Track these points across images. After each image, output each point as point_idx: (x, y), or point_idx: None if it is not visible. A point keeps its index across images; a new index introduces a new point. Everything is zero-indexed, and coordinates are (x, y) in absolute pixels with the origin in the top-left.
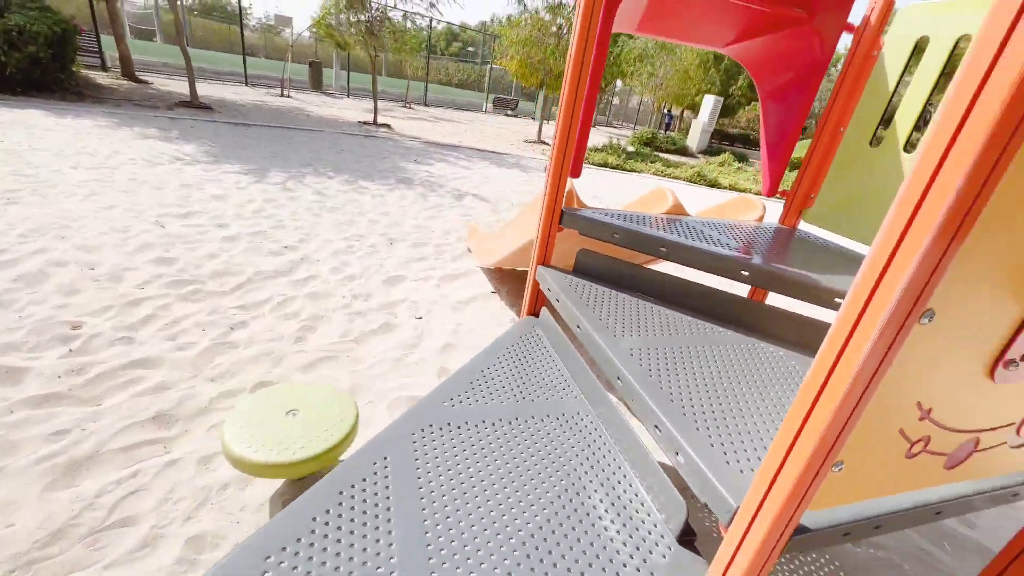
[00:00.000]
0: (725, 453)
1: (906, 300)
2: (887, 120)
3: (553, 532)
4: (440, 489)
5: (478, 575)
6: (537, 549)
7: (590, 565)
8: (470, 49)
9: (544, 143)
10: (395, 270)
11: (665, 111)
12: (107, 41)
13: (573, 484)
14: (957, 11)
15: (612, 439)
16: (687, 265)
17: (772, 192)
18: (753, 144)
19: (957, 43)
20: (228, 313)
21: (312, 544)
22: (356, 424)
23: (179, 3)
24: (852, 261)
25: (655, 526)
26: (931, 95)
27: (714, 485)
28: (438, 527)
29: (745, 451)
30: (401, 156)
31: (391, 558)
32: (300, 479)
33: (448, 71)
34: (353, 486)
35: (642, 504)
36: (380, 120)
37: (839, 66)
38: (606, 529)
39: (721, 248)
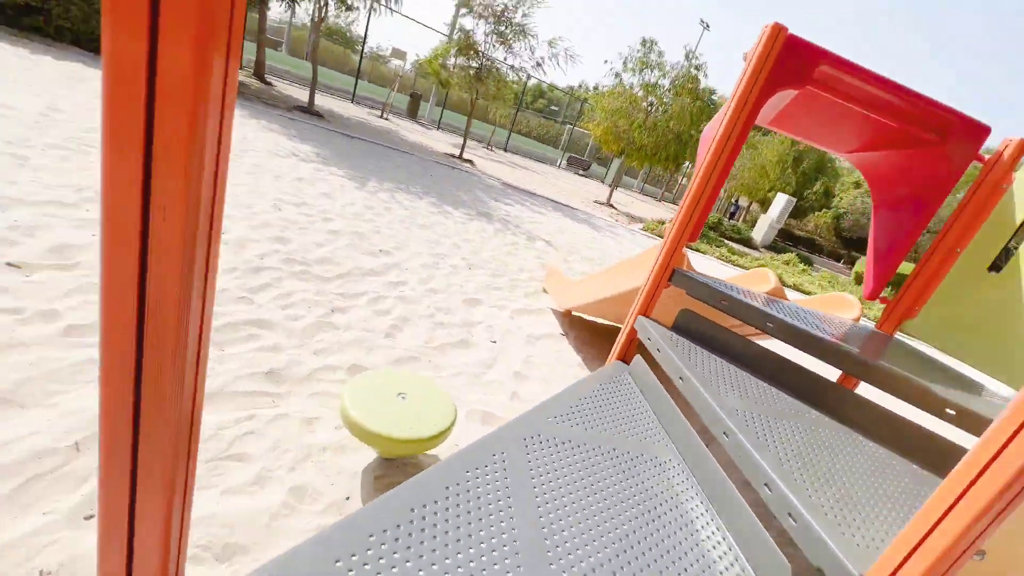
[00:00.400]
0: (839, 525)
1: None
2: (1006, 254)
3: (642, 547)
4: (546, 487)
5: (583, 556)
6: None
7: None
8: (554, 108)
9: (612, 207)
10: (474, 293)
11: (733, 200)
12: (248, 45)
13: (659, 518)
14: None
15: (703, 490)
16: (789, 343)
17: (874, 296)
18: (818, 249)
19: None
20: (330, 297)
21: (447, 508)
22: (455, 420)
23: (319, 25)
24: (954, 377)
25: (743, 571)
26: None
27: (834, 552)
28: (549, 515)
29: (859, 527)
30: (483, 191)
31: (513, 529)
32: (391, 459)
33: (529, 123)
34: (478, 468)
35: (728, 550)
36: (465, 156)
37: (964, 190)
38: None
39: (823, 335)
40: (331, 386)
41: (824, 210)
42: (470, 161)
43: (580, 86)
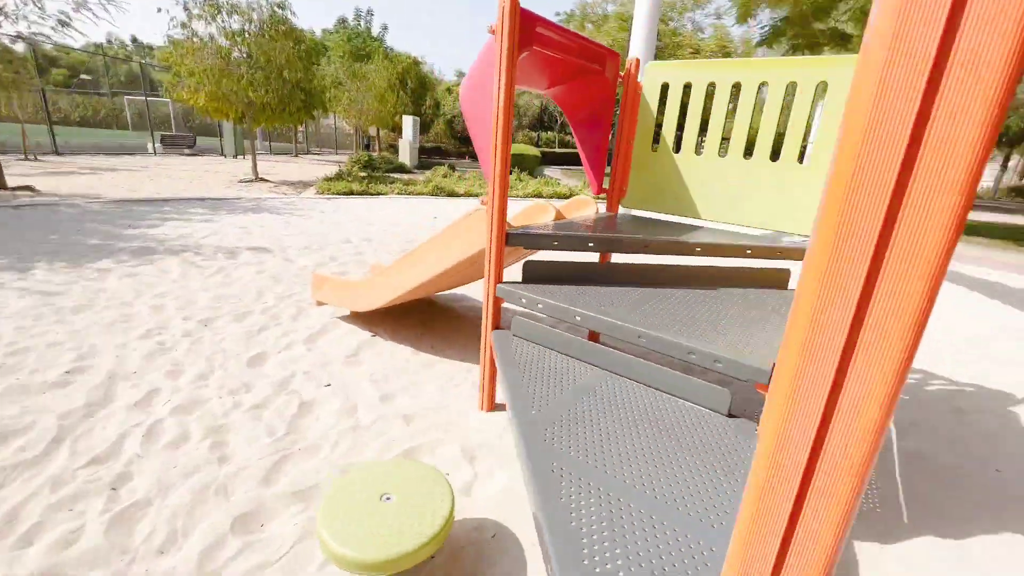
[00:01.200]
0: (744, 348)
1: None
2: (656, 134)
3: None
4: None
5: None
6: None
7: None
8: (85, 77)
9: (265, 180)
10: (246, 350)
11: (365, 135)
12: None
13: (635, 423)
14: (681, 68)
15: (642, 381)
16: (610, 251)
17: (599, 191)
18: (452, 154)
19: (686, 86)
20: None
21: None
22: (449, 517)
23: None
24: (666, 225)
25: (696, 413)
26: (679, 117)
27: (752, 365)
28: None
29: (752, 346)
30: (102, 223)
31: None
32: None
33: (62, 107)
34: (553, 486)
35: (679, 407)
36: (11, 183)
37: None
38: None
39: (611, 233)
40: None
41: (438, 119)
42: (28, 188)
43: (112, 41)
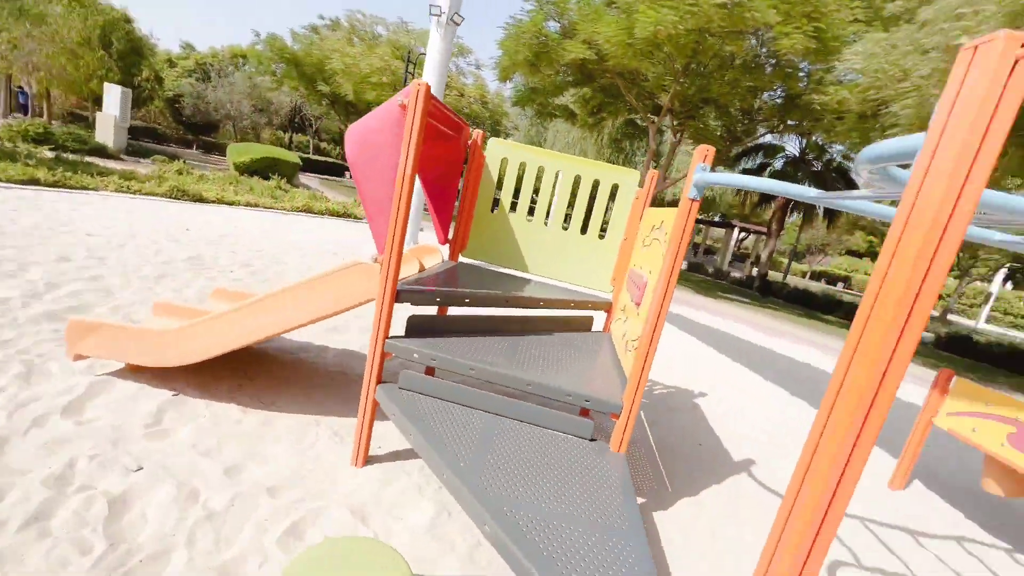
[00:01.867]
0: (595, 383)
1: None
2: (495, 199)
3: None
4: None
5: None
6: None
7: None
8: None
9: None
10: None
11: (17, 88)
12: None
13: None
14: (519, 149)
15: (520, 417)
16: (484, 305)
17: (445, 241)
18: (163, 138)
19: (521, 164)
20: None
21: None
22: None
23: None
24: (509, 277)
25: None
26: (515, 186)
27: (608, 401)
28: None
29: (600, 383)
30: None
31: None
32: None
33: None
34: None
35: (554, 437)
36: None
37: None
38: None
39: (479, 290)
40: None
41: (157, 97)
42: None
43: None
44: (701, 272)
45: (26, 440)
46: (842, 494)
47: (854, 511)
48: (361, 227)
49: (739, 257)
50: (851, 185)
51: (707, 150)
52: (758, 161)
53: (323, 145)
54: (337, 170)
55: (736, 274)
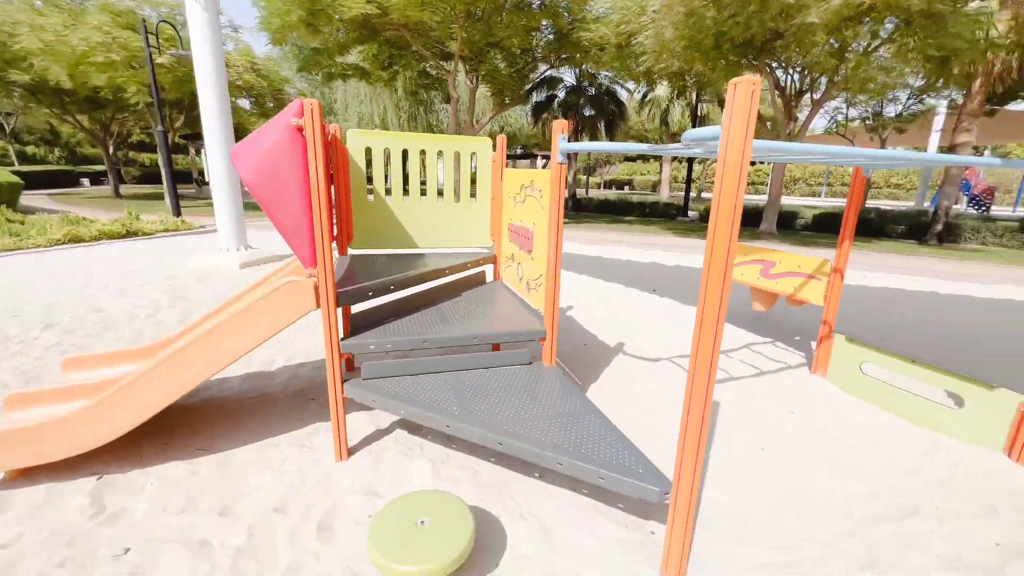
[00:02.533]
0: (527, 325)
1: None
2: (369, 188)
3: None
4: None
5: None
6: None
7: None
8: None
9: None
10: None
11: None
12: None
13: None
14: (380, 137)
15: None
16: (405, 287)
17: (332, 239)
18: None
19: (385, 150)
20: None
21: None
22: (469, 544)
23: None
24: (404, 257)
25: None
26: (385, 171)
27: (536, 330)
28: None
29: (525, 321)
30: None
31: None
32: None
33: None
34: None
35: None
36: None
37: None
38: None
39: (400, 275)
40: None
41: None
42: None
43: None
44: None
45: None
46: (715, 349)
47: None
48: (163, 243)
49: None
50: (618, 104)
51: (563, 124)
52: (545, 94)
53: (30, 149)
54: (68, 180)
55: None
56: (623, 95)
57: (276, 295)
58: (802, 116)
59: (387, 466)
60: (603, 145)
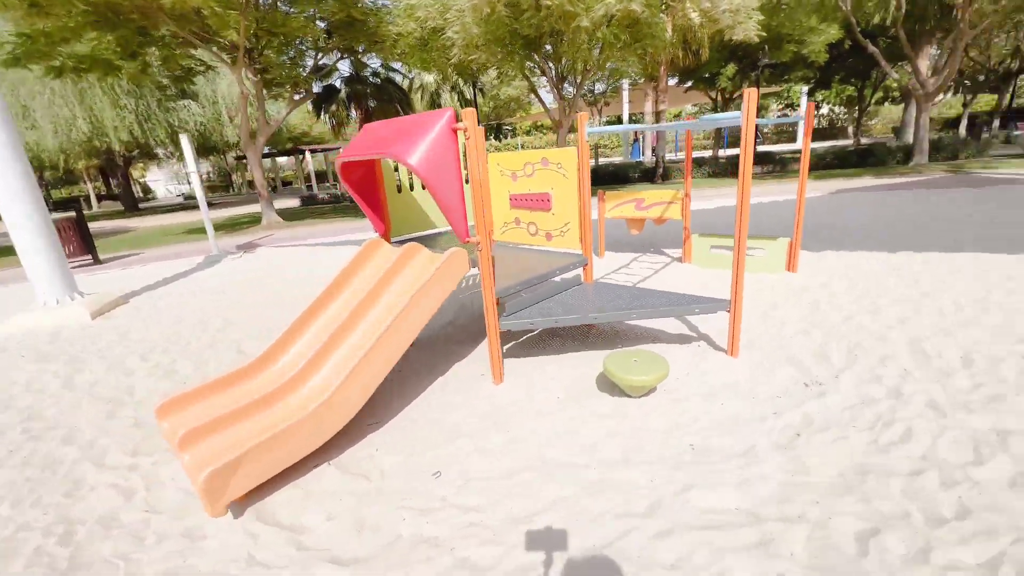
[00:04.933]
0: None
1: None
2: (398, 185)
3: None
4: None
5: None
6: None
7: None
8: None
9: None
10: None
11: None
12: None
13: None
14: None
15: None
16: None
17: (385, 230)
18: None
19: None
20: None
21: None
22: (667, 372)
23: None
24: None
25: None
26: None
27: (580, 256)
28: None
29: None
30: None
31: None
32: (641, 393)
33: None
34: None
35: None
36: None
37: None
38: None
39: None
40: None
41: None
42: None
43: None
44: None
45: None
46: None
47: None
48: None
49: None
50: (402, 91)
51: (584, 115)
52: (320, 86)
53: None
54: None
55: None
56: (403, 84)
57: (447, 264)
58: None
59: (534, 381)
60: (624, 128)
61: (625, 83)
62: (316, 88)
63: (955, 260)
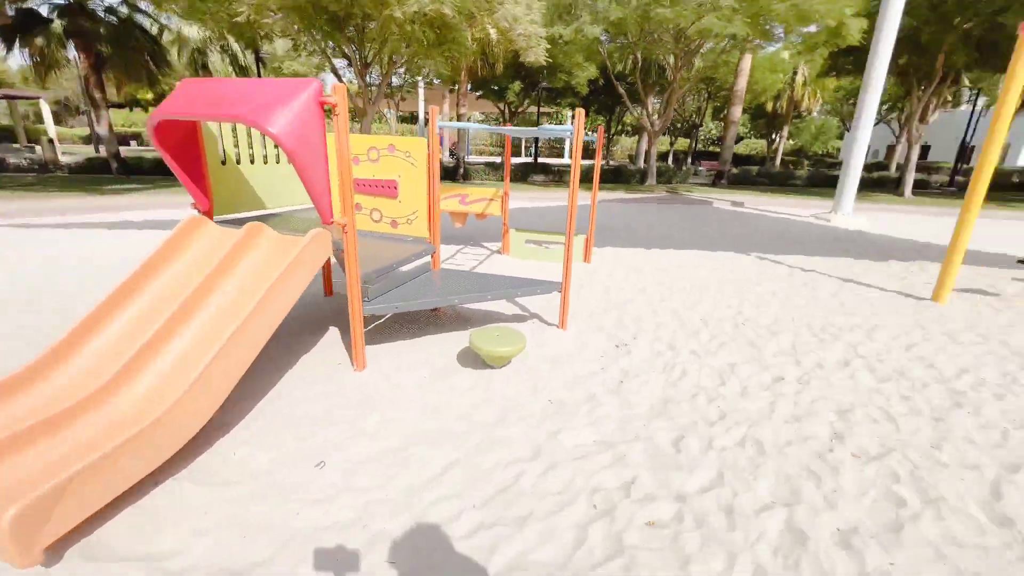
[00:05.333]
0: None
1: None
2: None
3: None
4: None
5: None
6: None
7: None
8: None
9: None
10: None
11: None
12: None
13: None
14: None
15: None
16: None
17: (208, 204)
18: None
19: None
20: None
21: None
22: (524, 346)
23: None
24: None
25: None
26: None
27: (425, 240)
28: None
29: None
30: None
31: None
32: (503, 364)
33: None
34: None
35: None
36: None
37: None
38: None
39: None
40: None
41: None
42: None
43: None
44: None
45: None
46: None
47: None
48: None
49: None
50: (154, 41)
51: (435, 108)
52: (22, 4)
53: None
54: None
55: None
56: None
57: (312, 246)
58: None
59: (389, 363)
60: (466, 125)
61: (421, 81)
62: (9, 11)
63: (684, 255)
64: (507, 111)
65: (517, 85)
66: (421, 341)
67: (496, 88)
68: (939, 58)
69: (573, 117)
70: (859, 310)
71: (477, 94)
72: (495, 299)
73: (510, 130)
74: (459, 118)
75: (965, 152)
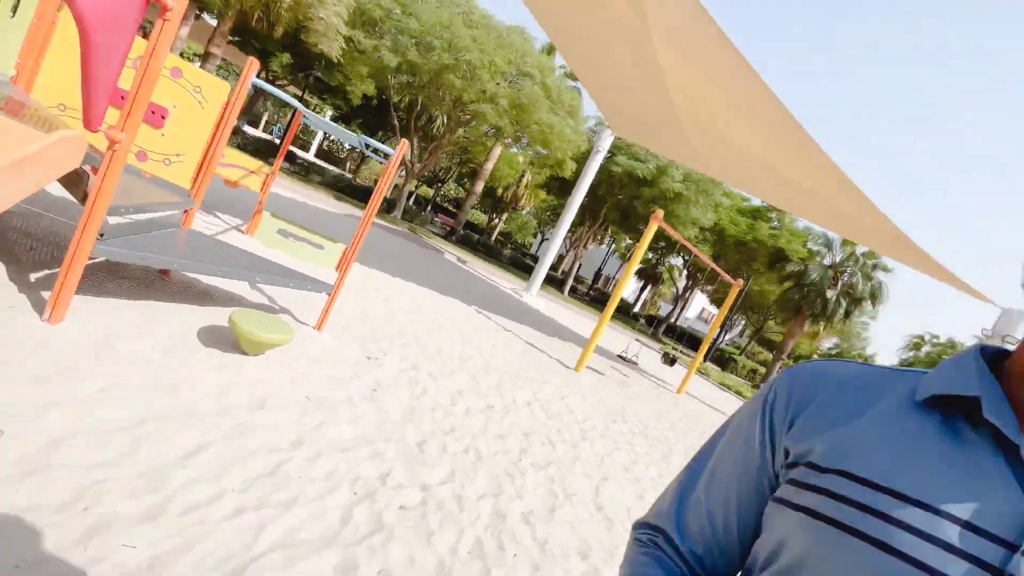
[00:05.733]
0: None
1: None
2: None
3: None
4: None
5: None
6: None
7: None
8: None
9: None
10: None
11: None
12: None
13: None
14: None
15: None
16: None
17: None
18: None
19: None
20: None
21: None
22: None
23: None
24: None
25: None
26: None
27: (183, 190)
28: None
29: None
30: None
31: None
32: (259, 352)
33: None
34: None
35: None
36: None
37: None
38: None
39: None
40: None
41: None
42: None
43: None
44: None
45: None
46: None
47: None
48: None
49: None
50: None
51: (252, 60)
52: None
53: None
54: None
55: None
56: None
57: (59, 145)
58: None
59: (98, 323)
60: (275, 91)
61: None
62: None
63: (424, 291)
64: (267, 74)
65: (285, 57)
66: (140, 305)
67: (260, 48)
68: (603, 210)
69: (333, 120)
70: (538, 367)
71: (235, 39)
72: (264, 282)
73: (334, 127)
74: (205, 56)
75: (599, 276)
